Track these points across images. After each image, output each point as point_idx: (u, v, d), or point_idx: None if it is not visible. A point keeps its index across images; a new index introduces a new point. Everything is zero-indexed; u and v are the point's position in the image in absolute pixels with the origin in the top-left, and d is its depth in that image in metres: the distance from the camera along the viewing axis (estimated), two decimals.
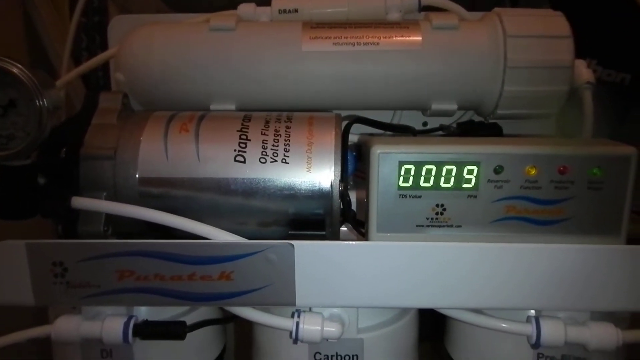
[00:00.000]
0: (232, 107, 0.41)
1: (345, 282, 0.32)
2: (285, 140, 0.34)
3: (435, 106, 0.41)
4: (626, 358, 0.36)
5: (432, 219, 0.33)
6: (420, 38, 0.40)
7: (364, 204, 0.35)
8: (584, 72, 0.41)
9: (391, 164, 0.32)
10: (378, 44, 0.40)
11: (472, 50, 0.40)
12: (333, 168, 0.33)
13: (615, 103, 0.60)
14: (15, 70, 0.30)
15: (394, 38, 0.40)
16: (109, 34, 0.48)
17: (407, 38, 0.40)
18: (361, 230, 0.35)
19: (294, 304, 0.32)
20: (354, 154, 0.43)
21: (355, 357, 0.35)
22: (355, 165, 0.43)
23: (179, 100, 0.41)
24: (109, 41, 0.48)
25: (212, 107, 0.41)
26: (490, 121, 0.43)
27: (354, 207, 0.36)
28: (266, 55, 0.40)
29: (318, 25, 0.41)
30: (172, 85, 0.41)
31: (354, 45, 0.40)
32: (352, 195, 0.36)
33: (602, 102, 0.42)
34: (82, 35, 0.72)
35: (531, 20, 0.40)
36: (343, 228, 0.37)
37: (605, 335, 0.32)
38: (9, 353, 0.34)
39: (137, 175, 0.33)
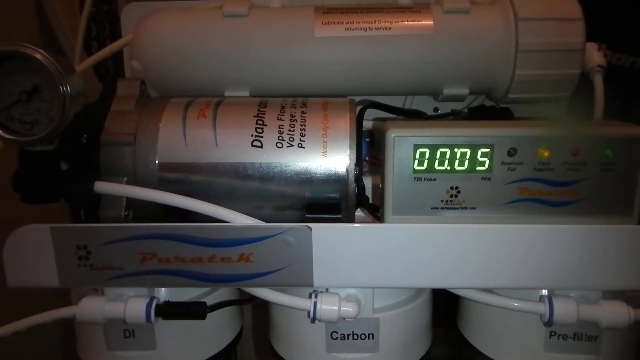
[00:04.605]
0: (246, 93, 0.42)
1: (361, 264, 0.32)
2: (301, 125, 0.34)
3: (447, 91, 0.42)
4: (638, 337, 0.36)
5: (446, 201, 0.33)
6: (431, 22, 0.40)
7: (378, 189, 0.35)
8: (594, 55, 0.42)
9: (406, 147, 0.32)
10: (390, 28, 0.40)
11: (483, 33, 0.40)
12: (348, 152, 0.34)
13: (625, 87, 0.60)
14: (38, 56, 0.30)
15: (406, 22, 0.40)
16: (122, 21, 0.48)
17: (419, 22, 0.40)
18: (376, 215, 0.35)
19: (311, 285, 0.33)
20: (367, 140, 0.43)
21: (371, 336, 0.36)
22: (368, 151, 0.44)
23: (193, 87, 0.42)
24: (122, 28, 0.48)
25: (226, 93, 0.42)
26: (502, 106, 0.44)
27: (367, 192, 0.37)
28: (279, 42, 0.41)
29: (330, 10, 0.41)
30: (186, 72, 0.41)
31: (366, 30, 0.40)
32: (366, 181, 0.37)
33: (612, 86, 0.43)
34: (92, 24, 0.73)
35: (542, 3, 0.40)
36: (358, 213, 0.37)
37: (616, 313, 0.33)
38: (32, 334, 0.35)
39: (157, 161, 0.34)
